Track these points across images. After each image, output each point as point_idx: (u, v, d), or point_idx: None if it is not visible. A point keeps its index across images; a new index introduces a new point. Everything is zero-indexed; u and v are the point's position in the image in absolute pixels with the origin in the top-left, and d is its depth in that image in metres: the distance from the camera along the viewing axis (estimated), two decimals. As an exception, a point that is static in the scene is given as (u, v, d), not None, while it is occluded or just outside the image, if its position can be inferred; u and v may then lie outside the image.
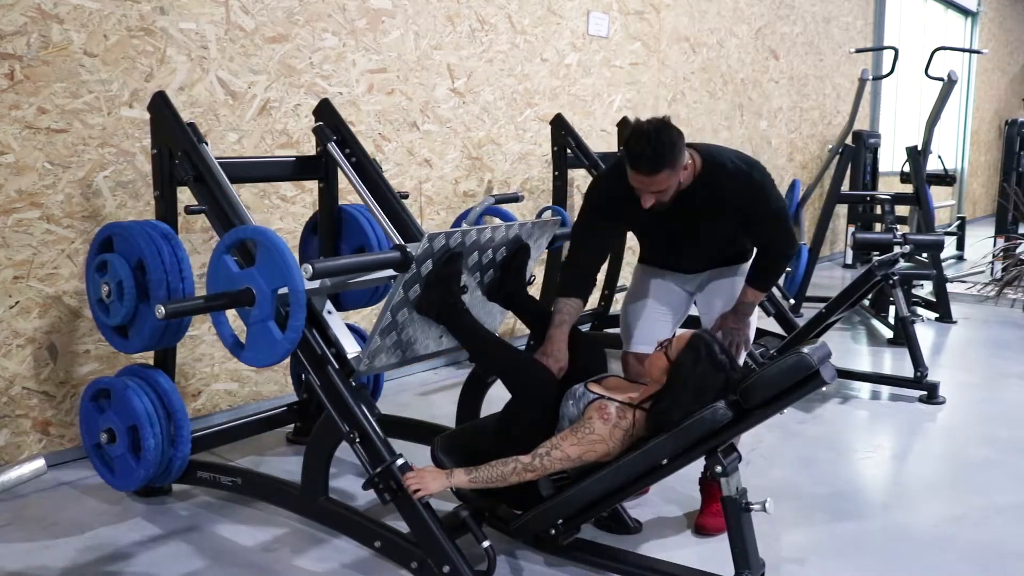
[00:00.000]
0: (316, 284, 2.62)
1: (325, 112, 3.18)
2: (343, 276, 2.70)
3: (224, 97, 3.53)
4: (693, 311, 3.00)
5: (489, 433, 2.54)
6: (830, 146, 7.14)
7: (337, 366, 2.52)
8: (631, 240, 4.92)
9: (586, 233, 2.76)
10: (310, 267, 2.33)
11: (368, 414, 2.48)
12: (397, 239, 2.86)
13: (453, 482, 2.38)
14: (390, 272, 2.65)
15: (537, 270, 5.04)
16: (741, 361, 2.84)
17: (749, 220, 2.66)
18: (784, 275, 6.30)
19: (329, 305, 2.68)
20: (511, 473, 2.35)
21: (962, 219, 9.35)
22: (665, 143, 2.39)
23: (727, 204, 2.61)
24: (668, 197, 2.53)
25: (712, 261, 2.85)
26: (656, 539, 2.71)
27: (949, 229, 9.21)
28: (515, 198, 4.36)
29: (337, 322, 2.64)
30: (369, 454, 2.44)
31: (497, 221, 4.27)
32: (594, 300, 5.37)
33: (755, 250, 2.82)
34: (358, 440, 2.45)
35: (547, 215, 4.50)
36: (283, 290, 2.37)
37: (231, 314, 2.58)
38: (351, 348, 2.59)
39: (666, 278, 2.88)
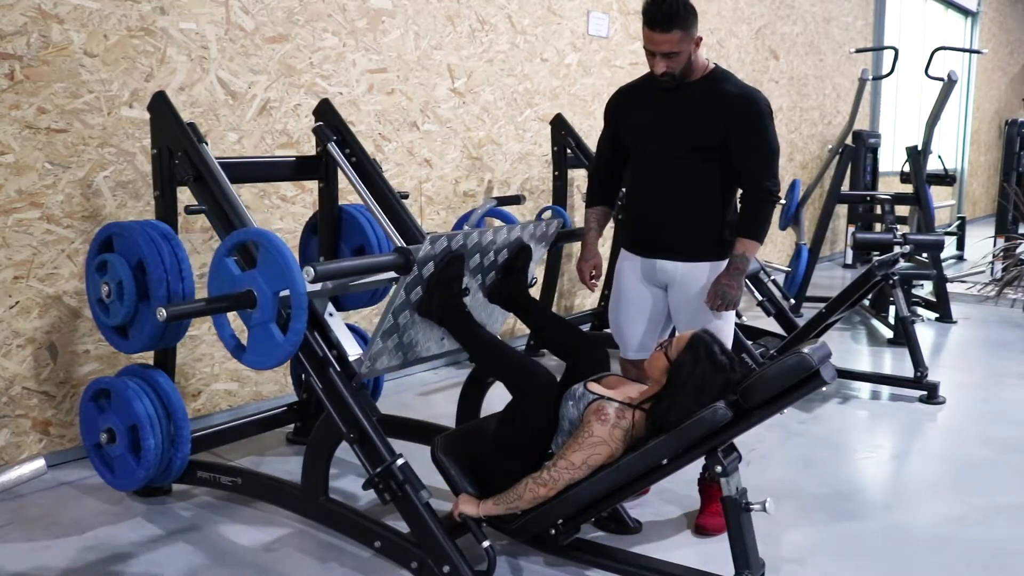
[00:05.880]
0: (318, 286, 2.62)
1: (325, 112, 3.18)
2: (344, 279, 2.70)
3: (224, 97, 3.53)
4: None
5: (489, 433, 2.54)
6: (830, 146, 7.14)
7: (339, 368, 2.52)
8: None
9: (603, 145, 2.96)
10: (312, 269, 2.32)
11: (368, 414, 2.48)
12: (398, 240, 2.86)
13: (481, 511, 2.42)
14: (391, 274, 2.65)
15: (538, 271, 5.04)
16: (730, 320, 2.81)
17: (738, 133, 2.64)
18: (784, 275, 6.31)
19: (331, 307, 2.68)
20: (525, 490, 2.37)
21: (962, 219, 9.35)
22: (680, 3, 2.59)
23: (723, 110, 2.65)
24: (679, 68, 2.64)
25: (688, 212, 2.74)
26: (656, 539, 2.71)
27: (949, 229, 9.20)
28: (516, 200, 4.36)
29: (339, 324, 2.64)
30: (369, 454, 2.44)
31: (498, 223, 4.27)
32: (594, 300, 5.37)
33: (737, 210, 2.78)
34: (358, 440, 2.45)
35: (547, 215, 4.50)
36: (284, 292, 2.37)
37: (234, 317, 2.58)
38: (352, 350, 2.59)
39: (641, 279, 2.85)
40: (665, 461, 2.29)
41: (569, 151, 4.79)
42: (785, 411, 2.61)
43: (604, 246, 4.82)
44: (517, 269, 2.79)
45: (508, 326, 4.94)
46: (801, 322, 4.64)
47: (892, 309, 5.09)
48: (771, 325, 4.85)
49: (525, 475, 2.40)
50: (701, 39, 2.67)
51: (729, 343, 2.77)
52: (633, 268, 2.87)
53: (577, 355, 2.63)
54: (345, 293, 3.01)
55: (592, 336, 2.76)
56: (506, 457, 2.46)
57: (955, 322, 5.98)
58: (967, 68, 12.64)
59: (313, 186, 3.61)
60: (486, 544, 2.36)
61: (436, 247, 2.45)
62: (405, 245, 2.61)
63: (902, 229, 6.84)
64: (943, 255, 6.86)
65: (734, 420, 2.25)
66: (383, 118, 4.19)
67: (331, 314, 2.66)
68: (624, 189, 2.98)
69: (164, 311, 2.32)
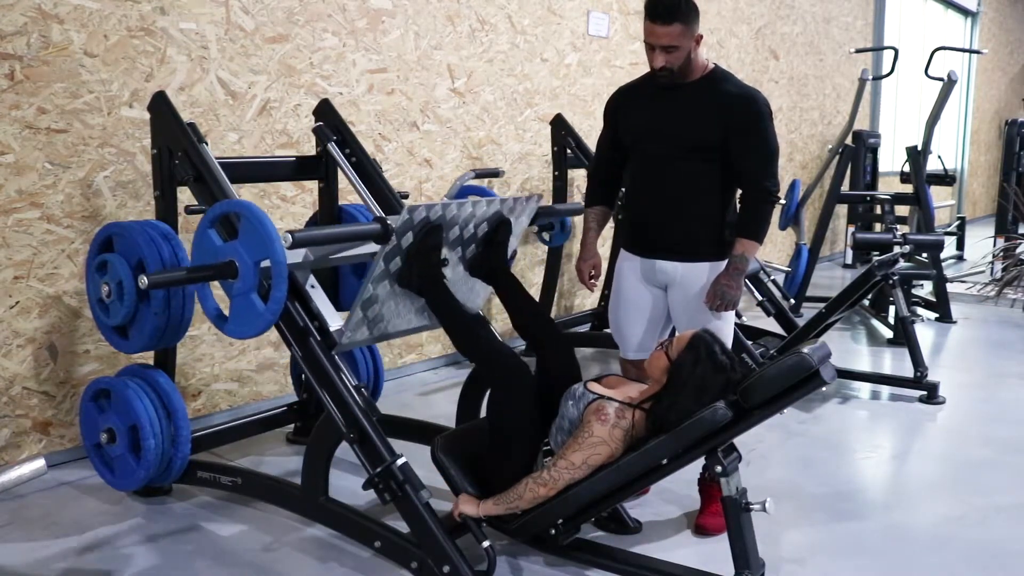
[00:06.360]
0: (299, 258, 2.64)
1: (325, 112, 3.18)
2: (323, 247, 2.70)
3: (224, 97, 3.53)
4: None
5: (485, 430, 2.54)
6: (830, 146, 7.14)
7: (319, 338, 2.55)
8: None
9: (603, 145, 2.97)
10: (290, 236, 2.34)
11: (368, 414, 2.48)
12: (378, 211, 2.86)
13: (481, 511, 2.42)
14: (374, 248, 2.65)
15: (536, 270, 5.05)
16: (730, 320, 2.81)
17: (737, 133, 2.64)
18: (784, 275, 6.31)
19: (312, 279, 2.70)
20: (525, 490, 2.37)
21: (962, 219, 9.35)
22: None
23: (723, 110, 2.65)
24: (677, 64, 2.64)
25: (687, 212, 2.75)
26: (656, 539, 2.71)
27: (949, 229, 9.20)
28: (496, 173, 4.35)
29: (320, 296, 2.67)
30: (369, 454, 2.44)
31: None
32: (594, 300, 5.37)
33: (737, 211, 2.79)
34: (358, 440, 2.46)
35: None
36: (266, 263, 2.39)
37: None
38: (333, 322, 2.61)
39: (640, 279, 2.84)
40: (665, 461, 2.30)
41: (569, 151, 4.79)
42: (785, 411, 2.61)
43: (604, 246, 4.83)
44: (497, 242, 2.79)
45: (508, 326, 4.94)
46: (801, 322, 4.64)
47: (892, 309, 5.09)
48: (771, 325, 4.85)
49: (524, 471, 2.41)
50: (701, 37, 2.67)
51: (729, 343, 2.77)
52: (633, 268, 2.87)
53: (545, 351, 2.65)
54: (327, 265, 2.99)
55: (563, 337, 2.76)
56: (498, 447, 2.46)
57: (955, 322, 5.98)
58: (967, 68, 12.64)
59: (313, 186, 3.61)
60: (486, 544, 2.36)
61: (415, 217, 2.47)
62: (384, 215, 2.62)
63: (902, 229, 6.84)
64: (943, 255, 6.86)
65: (734, 420, 2.25)
66: (383, 118, 4.19)
67: (313, 286, 2.68)
68: (624, 189, 2.98)
69: (146, 279, 2.34)
